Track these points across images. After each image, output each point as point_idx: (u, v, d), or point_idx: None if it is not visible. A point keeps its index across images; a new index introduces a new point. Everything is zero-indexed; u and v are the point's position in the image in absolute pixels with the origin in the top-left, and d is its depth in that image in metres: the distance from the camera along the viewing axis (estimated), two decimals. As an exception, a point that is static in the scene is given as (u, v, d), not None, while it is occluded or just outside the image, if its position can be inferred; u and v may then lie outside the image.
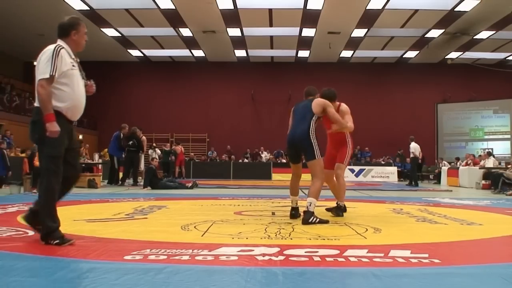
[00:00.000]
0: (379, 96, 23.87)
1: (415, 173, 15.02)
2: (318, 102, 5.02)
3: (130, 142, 12.46)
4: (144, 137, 13.20)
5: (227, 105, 23.92)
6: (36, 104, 3.34)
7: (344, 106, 5.52)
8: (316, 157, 4.85)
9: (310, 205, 4.69)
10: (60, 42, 3.47)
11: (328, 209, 5.66)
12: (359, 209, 6.27)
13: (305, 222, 4.60)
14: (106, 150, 15.64)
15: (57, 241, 3.26)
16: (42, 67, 3.28)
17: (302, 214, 4.81)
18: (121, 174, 12.95)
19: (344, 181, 5.59)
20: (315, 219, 4.64)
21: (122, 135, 12.69)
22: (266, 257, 2.96)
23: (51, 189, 3.34)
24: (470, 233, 4.28)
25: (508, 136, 21.85)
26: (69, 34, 3.52)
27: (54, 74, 3.27)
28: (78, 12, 16.33)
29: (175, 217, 5.23)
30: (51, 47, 3.37)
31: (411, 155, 14.77)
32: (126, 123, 13.21)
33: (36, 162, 9.36)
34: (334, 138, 5.58)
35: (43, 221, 3.33)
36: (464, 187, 14.02)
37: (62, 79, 3.34)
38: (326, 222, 4.74)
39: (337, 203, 5.55)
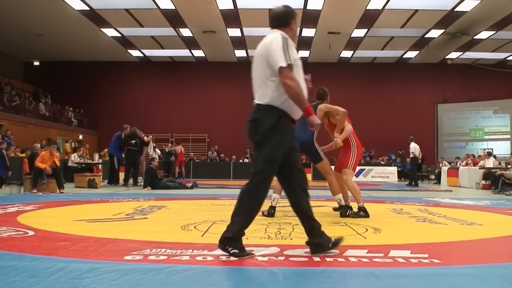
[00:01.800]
0: (379, 96, 23.87)
1: (415, 173, 15.03)
2: (319, 114, 5.38)
3: (133, 141, 12.47)
4: (148, 139, 13.39)
5: (227, 105, 23.91)
6: (257, 101, 3.02)
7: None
8: (323, 159, 5.42)
9: (340, 200, 5.42)
10: (279, 32, 3.09)
11: (335, 209, 5.82)
12: (359, 209, 6.27)
13: (344, 215, 5.29)
14: (106, 150, 15.65)
15: (236, 250, 2.91)
16: (278, 54, 2.91)
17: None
18: (121, 174, 12.95)
19: (353, 183, 5.60)
20: (350, 211, 5.35)
21: (123, 135, 12.69)
22: (266, 257, 2.96)
23: (260, 192, 3.04)
24: (470, 233, 4.28)
25: (508, 136, 21.86)
26: (289, 23, 3.16)
27: (291, 62, 2.92)
28: (78, 12, 16.35)
29: (175, 217, 5.23)
30: (276, 35, 3.02)
31: (411, 155, 14.78)
32: (126, 123, 13.23)
33: (38, 163, 9.33)
34: (343, 145, 5.70)
35: (236, 223, 2.96)
36: (464, 187, 14.02)
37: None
38: (363, 216, 5.29)
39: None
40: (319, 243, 3.06)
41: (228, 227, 2.98)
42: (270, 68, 2.96)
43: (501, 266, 2.89)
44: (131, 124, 13.40)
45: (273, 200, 5.40)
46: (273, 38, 3.02)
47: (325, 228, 4.44)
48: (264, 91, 3.01)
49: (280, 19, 3.18)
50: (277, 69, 2.90)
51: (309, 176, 18.75)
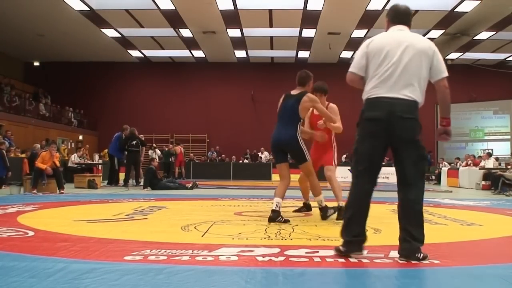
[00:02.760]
0: (379, 97, 23.85)
1: None
2: (305, 105, 4.96)
3: (134, 142, 12.46)
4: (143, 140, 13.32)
5: (227, 106, 23.93)
6: (414, 98, 3.02)
7: (332, 106, 5.41)
8: (308, 159, 5.05)
9: (321, 202, 5.14)
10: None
11: (295, 211, 5.77)
12: (359, 209, 6.26)
13: (325, 218, 5.09)
14: (106, 150, 15.64)
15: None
16: (443, 63, 3.09)
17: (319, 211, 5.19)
18: (121, 175, 12.94)
19: (337, 182, 5.41)
20: (331, 211, 5.15)
21: (124, 136, 12.68)
22: (266, 258, 2.96)
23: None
24: (470, 233, 4.28)
25: (508, 137, 21.84)
26: (411, 22, 3.23)
27: None
28: (78, 12, 16.36)
29: (175, 217, 5.23)
30: (432, 43, 3.11)
31: None
32: (126, 124, 13.22)
33: (39, 164, 9.32)
34: (320, 143, 5.43)
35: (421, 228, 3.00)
36: (464, 187, 14.02)
37: None
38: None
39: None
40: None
41: (418, 236, 2.96)
42: (428, 71, 3.03)
43: (501, 266, 2.89)
44: (131, 125, 13.40)
45: (278, 204, 4.97)
46: (434, 47, 3.07)
47: (325, 228, 4.47)
48: (419, 90, 3.03)
49: (408, 16, 3.22)
50: (442, 77, 3.06)
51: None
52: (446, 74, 3.04)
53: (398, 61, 2.98)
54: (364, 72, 3.11)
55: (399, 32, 3.12)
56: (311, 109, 5.23)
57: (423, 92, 3.06)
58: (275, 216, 4.76)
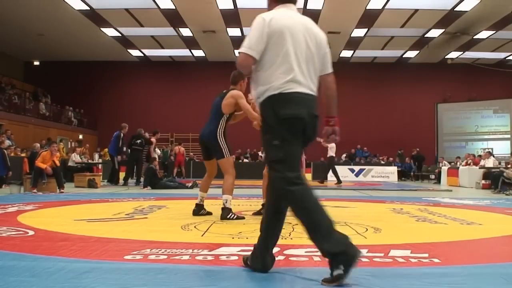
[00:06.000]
0: (379, 96, 23.87)
1: (336, 171, 14.54)
2: (227, 101, 5.08)
3: (138, 141, 12.49)
4: (152, 140, 13.25)
5: (227, 105, 23.91)
6: (316, 93, 2.59)
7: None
8: (225, 156, 5.06)
9: (226, 202, 5.00)
10: None
11: (254, 213, 5.48)
12: (359, 209, 6.26)
13: (224, 218, 4.90)
14: (106, 150, 15.65)
15: None
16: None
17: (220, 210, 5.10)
18: (121, 174, 12.95)
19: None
20: (232, 215, 4.95)
21: (122, 134, 12.68)
22: (266, 257, 2.95)
23: None
24: (470, 232, 4.28)
25: (508, 136, 21.85)
26: None
27: None
28: (78, 12, 16.36)
29: (175, 216, 5.24)
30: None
31: (331, 154, 14.30)
32: (126, 123, 13.23)
33: (39, 163, 9.32)
34: None
35: None
36: (464, 187, 14.02)
37: None
38: (242, 218, 5.01)
39: None
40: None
41: None
42: (319, 66, 2.63)
43: (501, 265, 2.89)
44: (131, 124, 13.39)
45: (198, 198, 5.46)
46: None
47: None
48: (315, 85, 2.59)
49: None
50: (331, 71, 2.67)
51: (308, 176, 18.80)
52: (331, 70, 2.68)
53: (306, 48, 2.54)
54: (259, 56, 2.58)
55: (293, 12, 2.63)
56: None
57: None
58: (226, 213, 4.94)
